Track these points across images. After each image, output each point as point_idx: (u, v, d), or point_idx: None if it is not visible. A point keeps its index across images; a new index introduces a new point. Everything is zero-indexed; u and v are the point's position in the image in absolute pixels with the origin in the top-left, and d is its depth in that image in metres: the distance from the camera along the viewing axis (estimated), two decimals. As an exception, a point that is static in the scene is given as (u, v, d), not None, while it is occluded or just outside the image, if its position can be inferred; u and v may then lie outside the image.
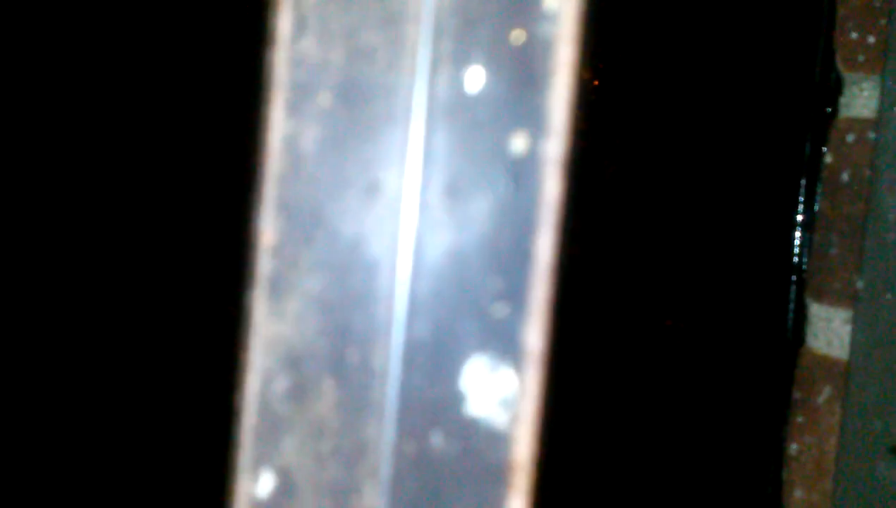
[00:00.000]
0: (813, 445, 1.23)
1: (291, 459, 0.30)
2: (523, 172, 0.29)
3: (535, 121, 0.29)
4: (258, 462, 0.30)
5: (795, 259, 1.28)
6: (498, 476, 0.30)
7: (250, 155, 0.30)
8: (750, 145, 1.24)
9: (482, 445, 0.30)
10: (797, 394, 1.26)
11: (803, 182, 1.29)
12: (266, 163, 0.29)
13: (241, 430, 0.29)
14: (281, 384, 0.30)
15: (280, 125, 0.30)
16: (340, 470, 0.31)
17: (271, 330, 0.30)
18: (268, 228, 0.29)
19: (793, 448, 1.24)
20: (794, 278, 1.27)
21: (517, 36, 0.30)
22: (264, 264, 0.29)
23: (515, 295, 0.30)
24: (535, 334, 0.29)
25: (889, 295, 1.15)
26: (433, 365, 0.31)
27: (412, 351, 0.31)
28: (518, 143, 0.30)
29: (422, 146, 0.31)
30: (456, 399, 0.31)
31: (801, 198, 1.28)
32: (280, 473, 0.30)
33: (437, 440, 0.31)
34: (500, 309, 0.30)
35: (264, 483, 0.30)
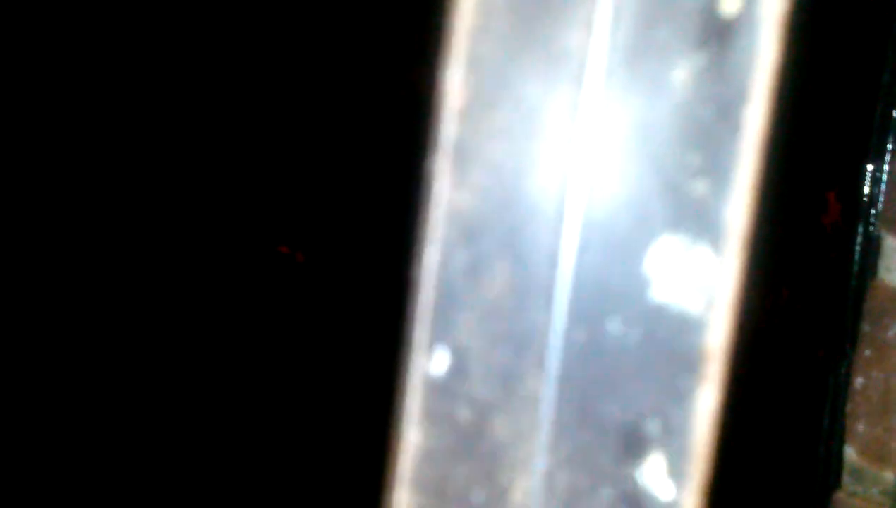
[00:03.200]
0: (879, 380, 1.21)
1: (465, 339, 0.28)
2: (735, 33, 0.27)
3: (747, -20, 0.27)
4: (434, 339, 0.28)
5: (867, 190, 1.24)
6: (686, 365, 0.28)
7: (440, 7, 0.28)
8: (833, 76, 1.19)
9: (668, 332, 0.28)
10: (866, 327, 1.23)
11: (877, 114, 1.24)
12: (457, 14, 0.26)
13: (419, 304, 0.27)
14: (460, 258, 0.28)
15: (462, -22, 0.28)
16: (509, 355, 0.30)
17: (453, 199, 0.27)
18: (455, 87, 0.27)
19: (858, 381, 1.22)
20: (865, 210, 1.24)
21: None
22: (450, 127, 0.27)
23: (717, 171, 0.27)
24: (739, 212, 0.27)
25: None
26: (614, 247, 0.29)
27: (591, 232, 0.29)
28: (730, 2, 0.27)
29: (611, 4, 0.28)
30: (639, 283, 0.29)
31: (874, 131, 1.23)
32: (455, 352, 0.28)
33: (613, 327, 0.29)
34: (699, 186, 0.28)
35: (439, 361, 0.28)
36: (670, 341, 0.28)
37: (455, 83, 0.27)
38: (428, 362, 0.28)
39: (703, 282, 0.27)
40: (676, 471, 0.28)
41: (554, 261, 0.29)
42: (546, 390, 0.30)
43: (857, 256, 1.26)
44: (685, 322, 0.28)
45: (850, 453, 1.21)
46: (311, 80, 1.34)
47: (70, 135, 1.41)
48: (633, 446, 0.29)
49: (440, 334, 0.28)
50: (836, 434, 1.23)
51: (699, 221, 0.27)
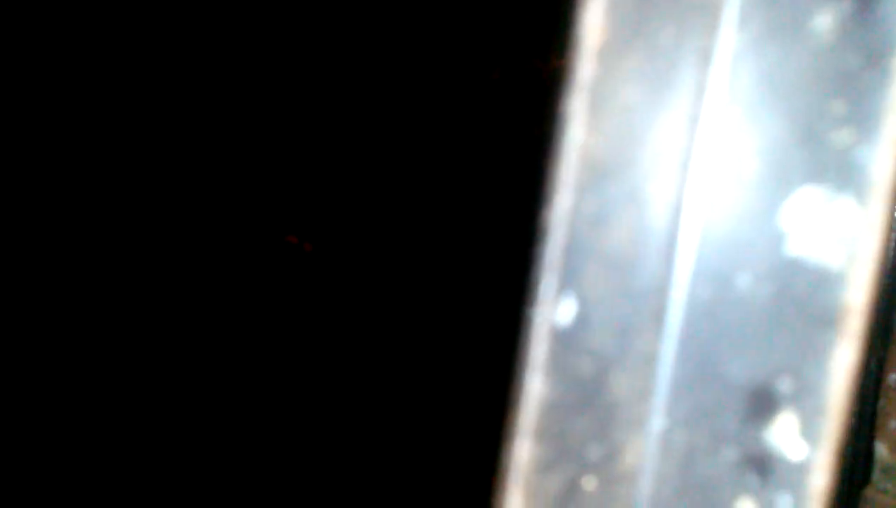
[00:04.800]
0: (912, 376, 1.20)
1: (590, 289, 0.28)
2: (888, -22, 0.26)
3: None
4: (561, 288, 0.27)
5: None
6: (824, 321, 0.27)
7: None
8: None
9: (804, 287, 0.27)
10: (900, 324, 1.22)
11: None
12: (599, -50, 0.26)
13: (549, 250, 0.26)
14: (589, 205, 0.27)
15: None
16: (631, 309, 0.29)
17: (587, 143, 0.27)
18: (594, 27, 0.26)
19: (891, 378, 1.21)
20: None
21: None
22: (586, 68, 0.26)
23: (864, 120, 0.26)
24: (887, 162, 0.26)
25: None
26: (748, 198, 0.28)
27: (722, 182, 0.28)
28: (884, -55, 0.26)
29: (751, -49, 0.27)
30: (773, 236, 0.28)
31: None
32: (580, 302, 0.27)
33: (743, 282, 0.28)
34: (843, 136, 0.27)
35: (565, 311, 0.27)
36: (806, 297, 0.27)
37: (593, 23, 0.26)
38: (554, 311, 0.27)
39: (844, 235, 0.27)
40: (810, 430, 0.27)
41: (678, 212, 0.28)
42: (666, 347, 0.29)
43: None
44: (824, 276, 0.27)
45: (881, 449, 1.20)
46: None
47: (89, 122, 1.40)
48: (761, 405, 0.28)
49: (567, 283, 0.27)
50: (866, 431, 1.22)
51: (842, 172, 0.26)
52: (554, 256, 0.27)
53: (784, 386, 0.27)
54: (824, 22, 0.27)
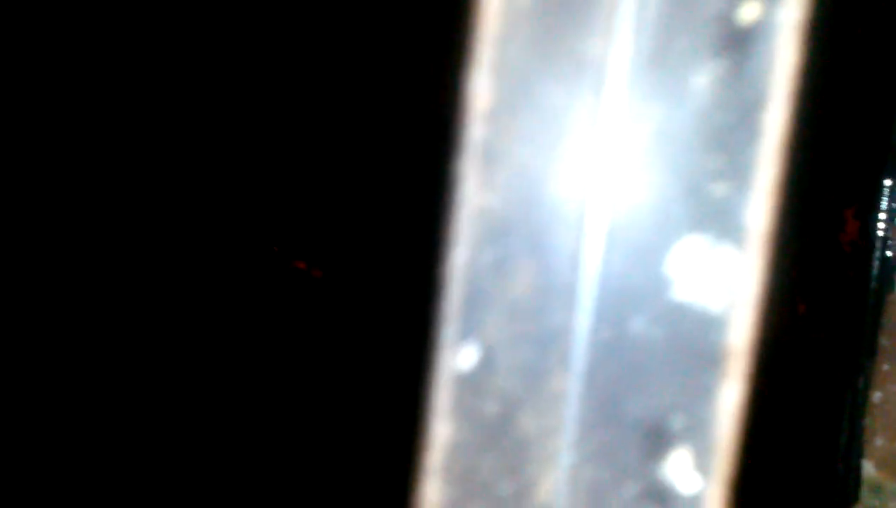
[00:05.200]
0: (897, 394, 1.21)
1: (492, 336, 0.29)
2: (754, 40, 0.28)
3: (766, -12, 0.28)
4: (462, 336, 0.29)
5: (885, 206, 1.24)
6: (709, 362, 0.29)
7: (465, 13, 0.29)
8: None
9: (691, 330, 0.29)
10: (884, 341, 1.23)
11: None
12: (482, 23, 0.28)
13: (447, 303, 0.28)
14: (486, 257, 0.29)
15: (489, -12, 0.29)
16: (535, 353, 0.30)
17: (480, 200, 0.28)
18: (482, 91, 0.28)
19: (877, 395, 1.22)
20: (884, 226, 1.24)
21: None
22: (477, 130, 0.28)
23: (739, 172, 0.28)
24: (761, 211, 0.28)
25: None
26: (637, 247, 0.30)
27: (615, 233, 0.30)
28: (749, 10, 0.28)
29: (633, 13, 0.29)
30: (662, 283, 0.29)
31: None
32: (482, 348, 0.29)
33: (637, 325, 0.30)
34: (720, 188, 0.28)
35: (467, 357, 0.29)
36: (693, 339, 0.29)
37: (481, 87, 0.28)
38: (456, 358, 0.29)
39: (725, 281, 0.28)
40: (701, 465, 0.29)
41: (577, 262, 0.30)
42: (571, 387, 0.31)
43: (874, 271, 1.27)
44: (708, 320, 0.29)
45: (869, 467, 1.20)
46: (336, 86, 1.36)
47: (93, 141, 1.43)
48: (657, 441, 0.30)
49: (468, 331, 0.29)
50: (853, 449, 1.23)
51: (721, 221, 0.28)
52: (453, 307, 0.28)
53: (677, 423, 0.29)
54: (702, 82, 0.29)
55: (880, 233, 1.24)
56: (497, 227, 0.29)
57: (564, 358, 0.31)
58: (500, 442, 0.30)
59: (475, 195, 0.28)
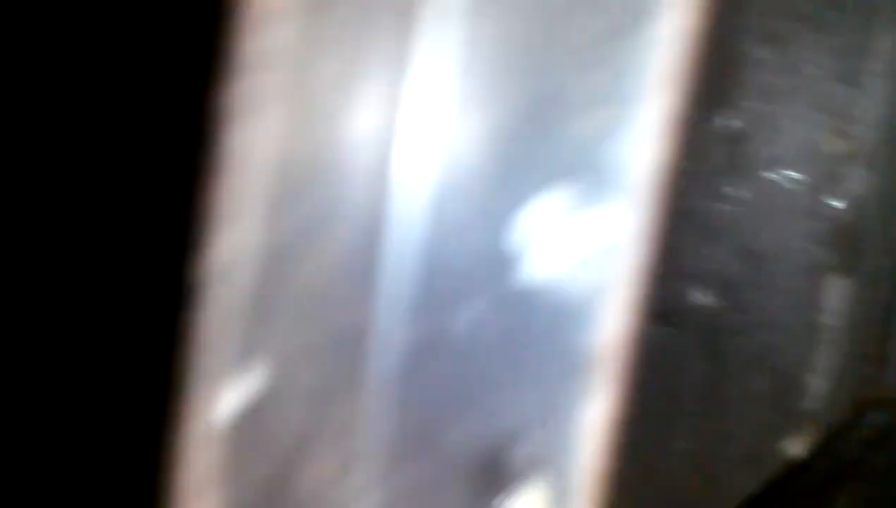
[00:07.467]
0: None
1: (272, 360, 0.19)
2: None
3: None
4: (229, 366, 0.18)
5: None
6: (568, 368, 0.21)
7: None
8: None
9: (543, 324, 0.21)
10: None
11: None
12: None
13: (208, 321, 0.18)
14: (264, 244, 0.18)
15: None
16: (327, 369, 0.21)
17: (256, 153, 0.18)
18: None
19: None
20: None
21: None
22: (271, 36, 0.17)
23: (616, 100, 0.20)
24: (646, 158, 0.20)
25: None
26: (470, 211, 0.21)
27: (439, 194, 0.21)
28: None
29: None
30: (503, 260, 0.21)
31: None
32: (257, 377, 0.19)
33: (466, 319, 0.21)
34: (589, 125, 0.20)
35: (230, 398, 0.19)
36: (546, 336, 0.21)
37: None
38: (216, 404, 0.18)
39: (591, 255, 0.20)
40: (559, 503, 0.21)
41: (380, 234, 0.21)
42: (372, 408, 0.21)
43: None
44: (567, 309, 0.21)
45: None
46: None
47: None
48: (493, 477, 0.21)
49: (235, 358, 0.18)
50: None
51: (588, 172, 0.20)
52: (217, 327, 0.18)
53: (522, 451, 0.21)
54: (556, -28, 0.20)
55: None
56: (273, 193, 0.18)
57: (362, 369, 0.21)
58: (283, 498, 0.20)
59: (250, 145, 0.18)
